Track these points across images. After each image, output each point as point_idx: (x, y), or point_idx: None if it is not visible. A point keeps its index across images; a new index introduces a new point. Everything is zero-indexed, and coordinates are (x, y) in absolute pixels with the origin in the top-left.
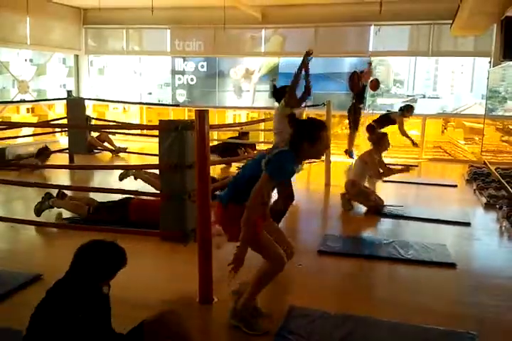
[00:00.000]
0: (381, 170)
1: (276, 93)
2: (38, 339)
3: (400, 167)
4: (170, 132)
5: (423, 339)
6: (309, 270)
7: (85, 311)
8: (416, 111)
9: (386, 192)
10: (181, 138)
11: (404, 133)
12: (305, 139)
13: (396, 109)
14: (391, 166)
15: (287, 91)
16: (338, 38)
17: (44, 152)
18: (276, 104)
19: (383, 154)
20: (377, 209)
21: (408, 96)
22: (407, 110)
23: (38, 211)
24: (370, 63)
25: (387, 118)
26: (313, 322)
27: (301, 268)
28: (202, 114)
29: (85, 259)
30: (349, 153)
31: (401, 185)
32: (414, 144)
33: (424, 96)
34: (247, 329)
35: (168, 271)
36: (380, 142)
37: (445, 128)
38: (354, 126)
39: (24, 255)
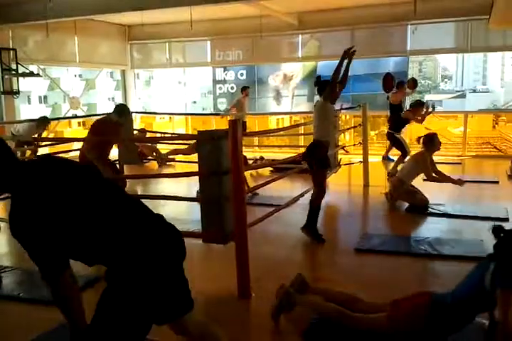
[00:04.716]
0: (435, 175)
1: (319, 85)
2: None
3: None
4: (207, 142)
5: None
6: (347, 267)
7: None
8: (463, 108)
9: (427, 189)
10: (218, 147)
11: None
12: None
13: (445, 105)
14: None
15: (328, 85)
16: (375, 39)
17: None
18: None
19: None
20: (421, 208)
21: (457, 91)
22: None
23: None
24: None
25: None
26: None
27: (340, 265)
28: (234, 124)
29: None
30: (386, 158)
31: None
32: None
33: (474, 91)
34: None
35: (211, 270)
36: (432, 142)
37: (496, 123)
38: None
39: None
